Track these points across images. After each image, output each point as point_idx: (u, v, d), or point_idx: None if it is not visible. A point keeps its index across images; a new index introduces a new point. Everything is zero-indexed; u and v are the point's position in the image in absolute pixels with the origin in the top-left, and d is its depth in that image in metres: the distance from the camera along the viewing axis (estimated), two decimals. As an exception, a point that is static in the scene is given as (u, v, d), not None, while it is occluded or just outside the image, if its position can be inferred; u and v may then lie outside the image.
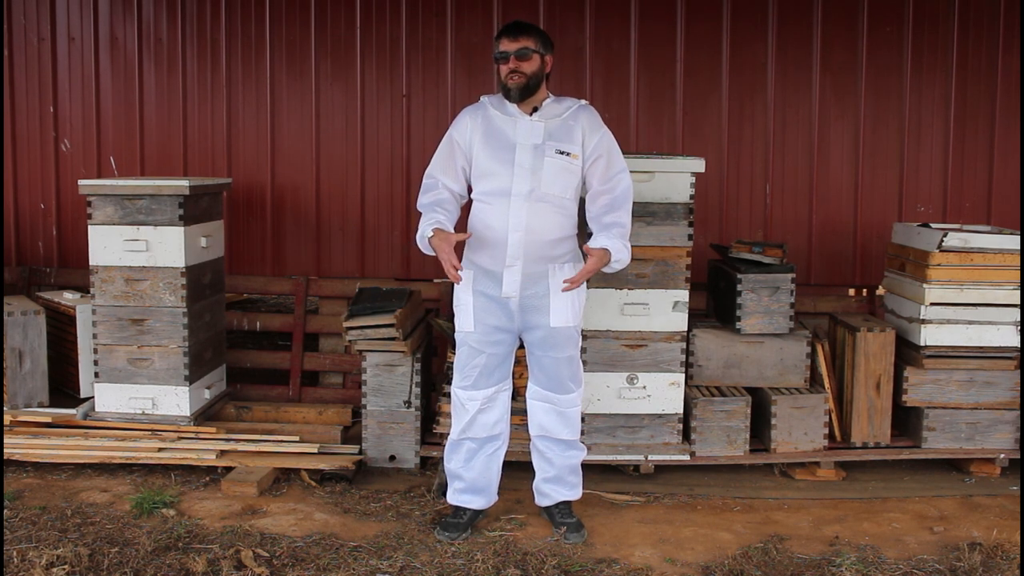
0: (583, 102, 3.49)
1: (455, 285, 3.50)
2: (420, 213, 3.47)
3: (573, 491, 3.64)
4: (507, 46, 3.35)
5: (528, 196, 3.34)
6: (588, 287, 3.98)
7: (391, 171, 5.22)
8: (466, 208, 3.53)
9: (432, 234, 3.31)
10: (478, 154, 3.42)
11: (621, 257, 3.39)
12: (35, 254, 5.43)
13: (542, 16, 5.13)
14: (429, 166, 3.53)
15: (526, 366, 3.63)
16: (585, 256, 3.41)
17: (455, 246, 3.27)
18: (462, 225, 3.48)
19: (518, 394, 3.84)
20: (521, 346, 3.59)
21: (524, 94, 3.37)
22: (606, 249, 3.35)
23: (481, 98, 3.52)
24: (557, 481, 3.62)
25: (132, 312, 4.31)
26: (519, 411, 3.79)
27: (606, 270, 3.42)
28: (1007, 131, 5.15)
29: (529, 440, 3.68)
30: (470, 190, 3.52)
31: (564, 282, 3.34)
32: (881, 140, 5.18)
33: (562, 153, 3.37)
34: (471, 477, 3.56)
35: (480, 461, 3.56)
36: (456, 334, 3.55)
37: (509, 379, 3.57)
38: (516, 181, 3.35)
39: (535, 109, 3.41)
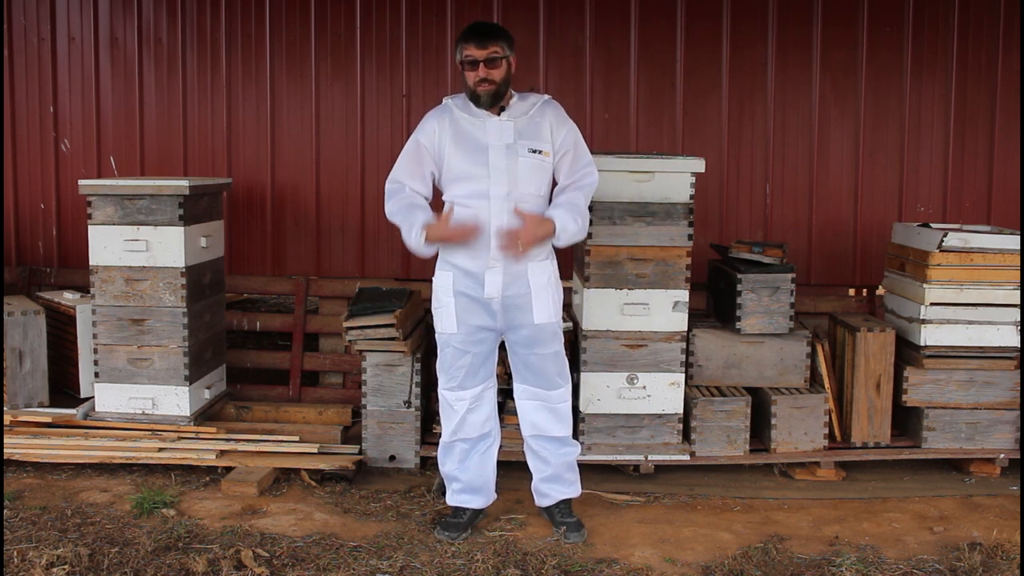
0: (546, 97, 3.47)
1: (434, 287, 3.46)
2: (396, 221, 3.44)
3: (572, 488, 3.64)
4: (475, 53, 3.28)
5: (506, 197, 3.33)
6: (586, 287, 3.99)
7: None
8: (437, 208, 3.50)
9: (425, 234, 3.30)
10: (450, 157, 3.38)
11: (566, 227, 3.32)
12: (35, 254, 5.43)
13: (542, 16, 5.13)
14: (393, 171, 3.48)
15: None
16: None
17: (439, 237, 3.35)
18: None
19: (512, 395, 3.84)
20: (503, 347, 3.59)
21: (495, 100, 3.34)
22: (549, 219, 3.31)
23: (444, 100, 3.46)
24: (555, 480, 3.61)
25: (132, 312, 4.31)
26: (516, 411, 3.78)
27: (558, 244, 3.38)
28: (1007, 131, 5.15)
29: (527, 440, 3.68)
30: (436, 193, 3.50)
31: (497, 235, 3.28)
32: (881, 140, 5.18)
33: (534, 152, 3.35)
34: (467, 478, 3.57)
35: (474, 461, 3.57)
36: (438, 336, 3.53)
37: (493, 377, 3.57)
38: (493, 183, 3.33)
39: (502, 109, 3.38)
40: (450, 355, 3.50)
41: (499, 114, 3.37)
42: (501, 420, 3.71)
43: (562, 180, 3.43)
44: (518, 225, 3.29)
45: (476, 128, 3.37)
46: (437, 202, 3.48)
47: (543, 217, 3.33)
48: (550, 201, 3.46)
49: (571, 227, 3.35)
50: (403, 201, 3.42)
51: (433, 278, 3.51)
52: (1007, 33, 5.10)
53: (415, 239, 3.33)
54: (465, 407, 3.51)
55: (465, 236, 3.31)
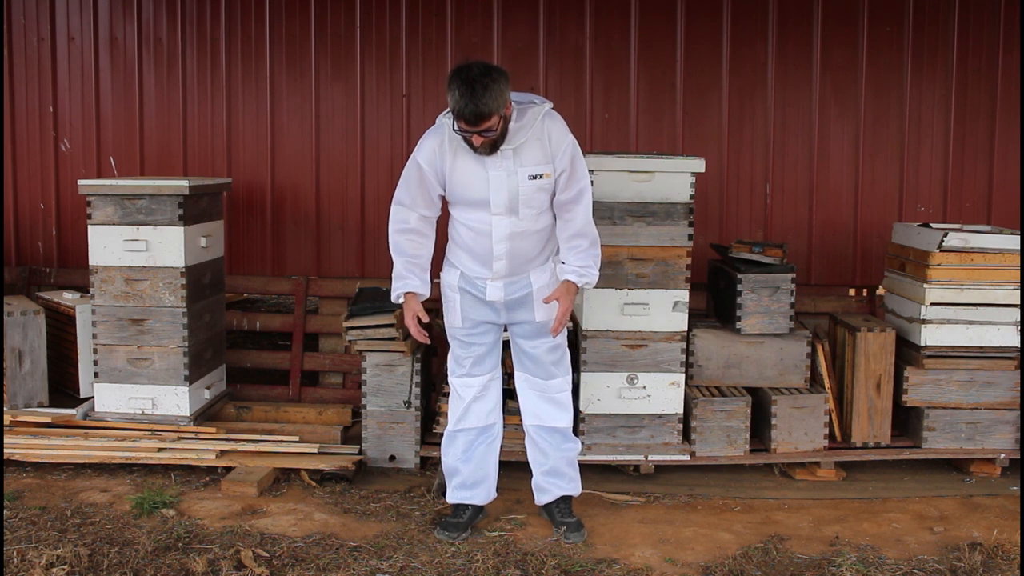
0: (547, 107, 3.33)
1: (441, 283, 3.54)
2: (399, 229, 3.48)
3: (572, 485, 3.65)
4: (469, 128, 3.15)
5: (508, 225, 3.33)
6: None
7: (391, 171, 5.21)
8: (444, 220, 3.53)
9: (403, 300, 3.46)
10: (451, 181, 3.35)
11: (587, 280, 3.41)
12: (35, 254, 5.43)
13: (542, 16, 5.12)
14: (398, 192, 3.44)
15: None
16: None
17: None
18: (441, 238, 3.53)
19: (515, 395, 3.84)
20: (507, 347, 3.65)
21: (493, 151, 3.26)
22: (572, 283, 3.38)
23: (438, 119, 3.37)
24: (555, 474, 3.62)
25: (132, 312, 4.31)
26: (517, 411, 3.79)
27: (583, 287, 3.45)
28: (1007, 131, 5.15)
29: (529, 440, 3.69)
30: (445, 202, 3.49)
31: (551, 331, 3.41)
32: (881, 140, 5.18)
33: (535, 177, 3.30)
34: (468, 470, 3.58)
35: (477, 453, 3.58)
36: (447, 329, 3.59)
37: (499, 368, 3.61)
38: (495, 212, 3.31)
39: None
40: (457, 346, 3.57)
41: None
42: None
43: (559, 194, 3.37)
44: (552, 308, 3.42)
45: (473, 156, 3.29)
46: (445, 216, 3.53)
47: (565, 286, 3.37)
48: (553, 210, 3.44)
49: (590, 278, 3.42)
50: (403, 236, 3.47)
51: (441, 274, 3.56)
52: (1007, 33, 5.10)
53: (395, 293, 3.49)
54: (472, 395, 3.54)
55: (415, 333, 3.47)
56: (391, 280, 3.53)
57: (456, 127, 3.19)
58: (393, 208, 3.48)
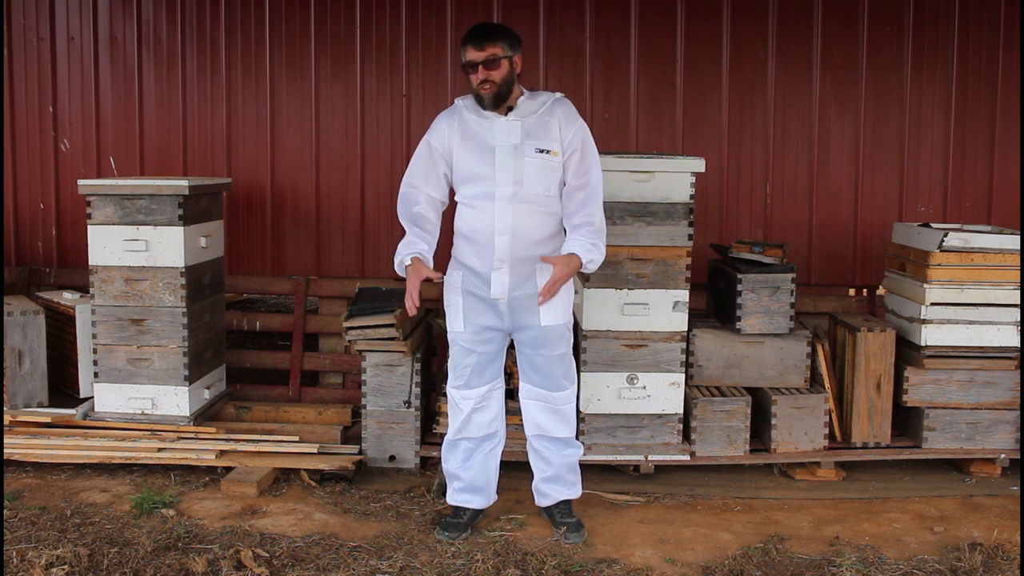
0: (558, 95, 3.44)
1: (445, 285, 3.51)
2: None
3: (572, 489, 3.64)
4: (474, 55, 3.27)
5: (512, 198, 3.32)
6: (587, 287, 3.99)
7: (391, 171, 5.22)
8: (450, 212, 3.52)
9: (410, 262, 3.33)
10: (458, 158, 3.39)
11: (592, 258, 3.35)
12: (35, 254, 5.43)
13: (542, 15, 5.12)
14: (407, 173, 3.47)
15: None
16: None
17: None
18: (446, 229, 3.50)
19: (516, 395, 3.84)
20: (512, 346, 3.59)
21: (497, 102, 3.32)
22: (573, 254, 3.32)
23: (455, 101, 3.47)
24: (556, 480, 3.61)
25: (132, 312, 4.31)
26: (518, 411, 3.78)
27: (584, 271, 3.39)
28: (1007, 131, 5.15)
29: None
30: (451, 194, 3.51)
31: (539, 296, 3.32)
32: (881, 140, 5.18)
33: (542, 151, 3.33)
34: (469, 477, 3.56)
35: (478, 460, 3.56)
36: (448, 334, 3.55)
37: (501, 377, 3.58)
38: (499, 184, 3.33)
39: (510, 108, 3.37)
40: (458, 353, 3.52)
41: (506, 114, 3.36)
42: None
43: (569, 180, 3.40)
44: (547, 269, 3.35)
45: (483, 128, 3.36)
46: (449, 216, 3.51)
47: (568, 256, 3.31)
48: (562, 197, 3.44)
49: (596, 256, 3.37)
50: (412, 211, 3.43)
51: (444, 276, 3.52)
52: (1007, 33, 5.10)
53: (398, 265, 3.38)
54: (471, 406, 3.51)
55: (412, 295, 3.31)
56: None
57: (464, 61, 3.30)
58: (401, 191, 3.50)
